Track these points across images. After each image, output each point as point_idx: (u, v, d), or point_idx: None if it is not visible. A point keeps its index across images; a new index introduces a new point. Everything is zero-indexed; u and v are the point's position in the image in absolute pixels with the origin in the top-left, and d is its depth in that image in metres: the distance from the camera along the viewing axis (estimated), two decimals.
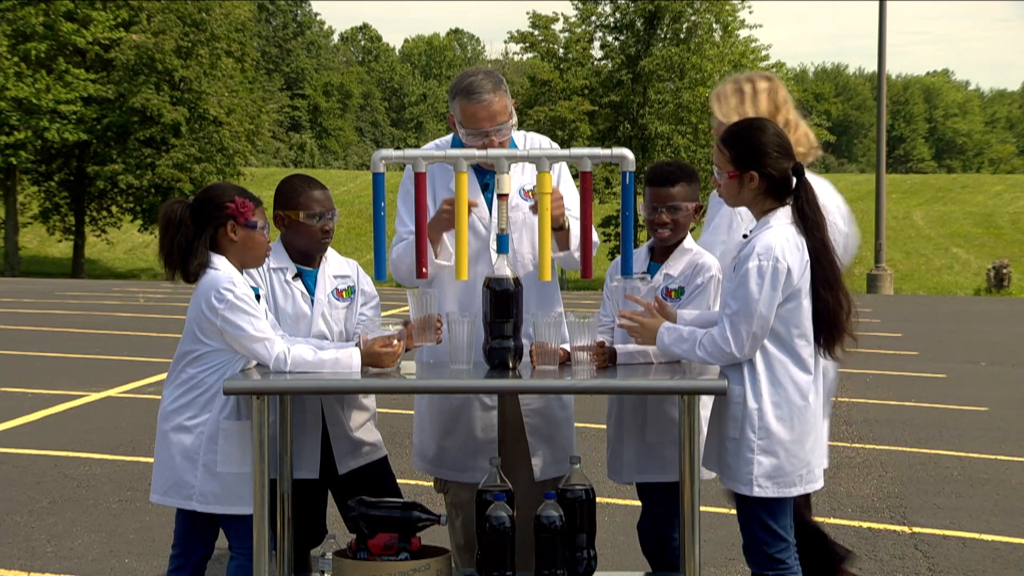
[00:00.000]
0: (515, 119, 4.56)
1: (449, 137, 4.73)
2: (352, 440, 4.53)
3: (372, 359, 4.11)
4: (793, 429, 3.97)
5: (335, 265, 4.47)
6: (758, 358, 3.96)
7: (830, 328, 4.01)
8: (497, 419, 4.63)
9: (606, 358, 4.20)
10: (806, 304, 3.98)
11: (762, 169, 4.00)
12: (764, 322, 3.90)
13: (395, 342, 4.11)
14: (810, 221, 3.99)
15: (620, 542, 4.80)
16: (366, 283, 4.53)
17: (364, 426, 4.56)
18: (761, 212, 4.05)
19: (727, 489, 4.10)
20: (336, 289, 4.44)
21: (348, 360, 4.09)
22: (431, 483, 7.43)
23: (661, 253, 4.49)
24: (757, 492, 3.95)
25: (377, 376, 4.14)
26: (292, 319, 4.36)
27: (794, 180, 4.02)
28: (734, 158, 4.03)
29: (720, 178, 4.08)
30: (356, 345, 4.16)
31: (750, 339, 3.90)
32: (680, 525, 3.99)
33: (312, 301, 4.40)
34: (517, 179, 4.62)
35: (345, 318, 4.45)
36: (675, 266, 4.45)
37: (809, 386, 4.00)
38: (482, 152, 4.26)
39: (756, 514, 4.01)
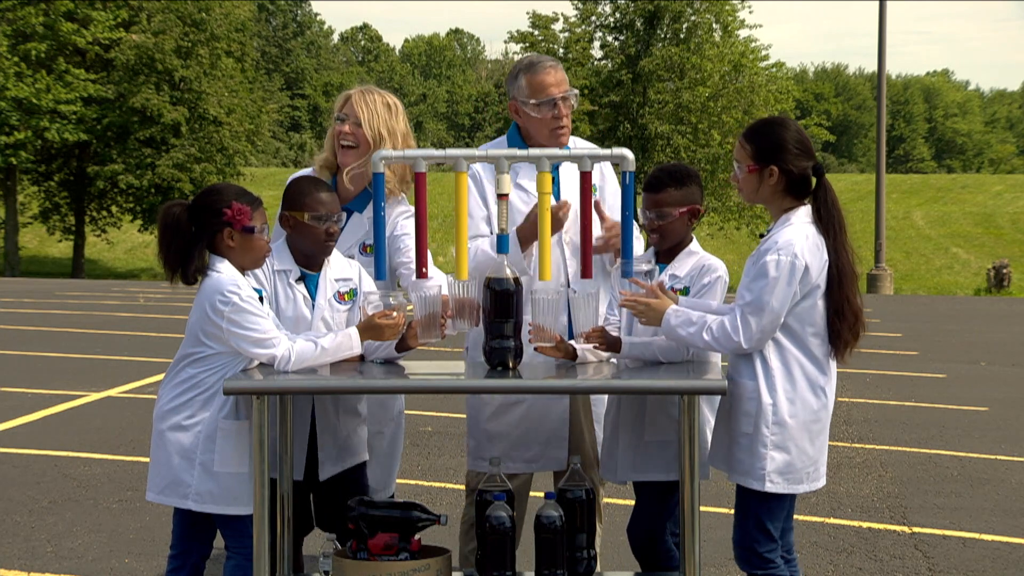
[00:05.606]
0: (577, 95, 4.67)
1: (503, 138, 4.79)
2: (338, 446, 4.51)
3: (372, 332, 4.17)
4: (806, 426, 3.98)
5: (337, 268, 4.46)
6: (773, 354, 3.96)
7: (840, 330, 4.01)
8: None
9: (604, 340, 4.21)
10: (822, 304, 3.99)
11: (782, 165, 4.02)
12: (775, 316, 3.91)
13: (394, 314, 4.14)
14: (829, 222, 4.01)
15: (620, 542, 4.81)
16: (368, 284, 4.53)
17: (353, 431, 4.54)
18: (780, 210, 4.07)
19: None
20: (338, 292, 4.43)
21: (348, 341, 4.16)
22: (431, 483, 7.47)
23: (665, 255, 4.48)
24: (769, 487, 3.96)
25: (381, 376, 4.14)
26: (292, 322, 4.35)
27: (814, 180, 4.04)
28: (755, 152, 4.05)
29: (740, 172, 4.09)
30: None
31: (759, 332, 3.92)
32: (680, 525, 3.99)
33: (313, 305, 4.39)
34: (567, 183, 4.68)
35: (347, 320, 4.44)
36: (681, 267, 4.43)
37: (823, 384, 4.01)
38: (482, 152, 4.27)
39: (755, 512, 4.02)
